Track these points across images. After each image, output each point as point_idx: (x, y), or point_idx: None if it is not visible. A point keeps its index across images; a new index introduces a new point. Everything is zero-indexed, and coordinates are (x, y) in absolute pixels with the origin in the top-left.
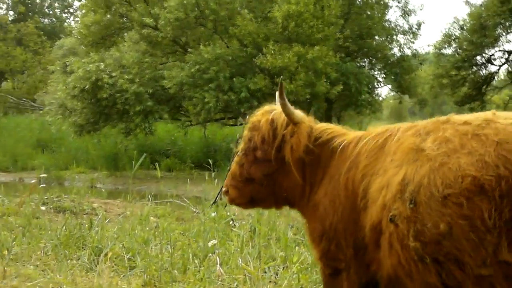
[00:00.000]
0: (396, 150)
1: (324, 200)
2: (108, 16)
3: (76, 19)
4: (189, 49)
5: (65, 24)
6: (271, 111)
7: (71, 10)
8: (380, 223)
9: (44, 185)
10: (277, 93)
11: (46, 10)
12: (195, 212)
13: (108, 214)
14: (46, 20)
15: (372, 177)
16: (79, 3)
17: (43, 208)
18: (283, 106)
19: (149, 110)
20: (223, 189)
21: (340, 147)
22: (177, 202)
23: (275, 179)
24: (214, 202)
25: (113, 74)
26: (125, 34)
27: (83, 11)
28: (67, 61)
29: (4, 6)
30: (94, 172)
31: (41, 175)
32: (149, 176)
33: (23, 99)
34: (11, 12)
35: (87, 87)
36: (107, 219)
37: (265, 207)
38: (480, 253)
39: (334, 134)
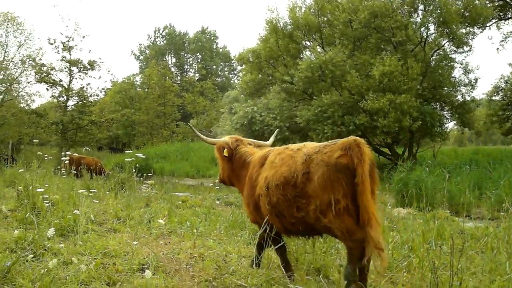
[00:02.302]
0: (267, 162)
1: (245, 185)
2: (260, 75)
3: (238, 78)
4: (314, 97)
5: (231, 81)
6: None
7: (235, 72)
8: (259, 195)
9: (218, 187)
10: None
11: (219, 72)
12: None
13: None
14: (219, 79)
15: (259, 174)
16: (241, 68)
17: (217, 202)
18: (204, 140)
19: (286, 138)
20: (219, 177)
21: (251, 160)
22: None
23: (230, 173)
24: None
25: (262, 114)
26: (271, 87)
27: (243, 72)
28: (232, 106)
29: (192, 71)
30: None
31: (215, 181)
32: None
33: (204, 130)
34: (197, 74)
35: (245, 122)
36: None
37: (229, 185)
38: (289, 211)
39: (247, 154)
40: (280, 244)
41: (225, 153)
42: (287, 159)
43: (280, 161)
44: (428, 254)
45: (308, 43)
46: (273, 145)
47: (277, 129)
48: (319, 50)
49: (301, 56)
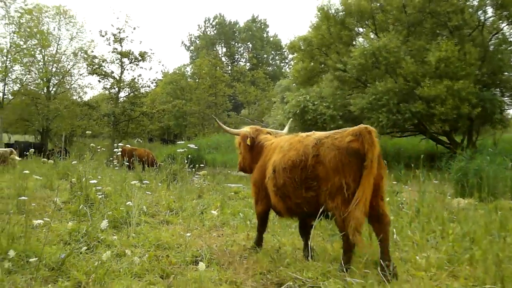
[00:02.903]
0: (277, 148)
1: (256, 169)
2: (312, 63)
3: (290, 66)
4: (368, 85)
5: (283, 70)
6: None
7: (287, 61)
8: (267, 178)
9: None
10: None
11: (270, 61)
12: None
13: None
14: (270, 68)
15: (270, 158)
16: (292, 56)
17: None
18: (227, 131)
19: (339, 127)
20: (239, 166)
21: (266, 146)
22: None
23: (250, 161)
24: None
25: (315, 103)
26: (323, 75)
27: (295, 61)
28: (284, 95)
29: (243, 60)
30: None
31: (237, 171)
32: None
33: (255, 120)
34: (248, 64)
35: (297, 112)
36: None
37: (250, 173)
38: (296, 192)
39: (265, 141)
40: (265, 226)
41: (248, 141)
42: (295, 144)
43: (288, 146)
44: (492, 247)
45: (360, 29)
46: None
47: (290, 119)
48: (372, 36)
49: (354, 43)
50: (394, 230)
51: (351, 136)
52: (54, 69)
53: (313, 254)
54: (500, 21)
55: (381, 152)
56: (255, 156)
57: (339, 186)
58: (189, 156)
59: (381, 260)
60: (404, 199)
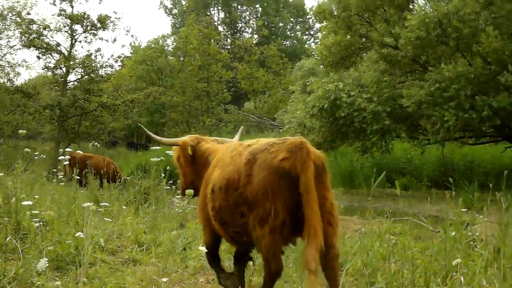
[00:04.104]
0: (220, 160)
1: (202, 186)
2: (348, 36)
3: (317, 40)
4: (429, 68)
5: (306, 45)
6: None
7: (312, 32)
8: (208, 194)
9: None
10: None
11: (288, 33)
12: (434, 231)
13: (346, 230)
14: (287, 42)
15: (212, 174)
16: (320, 25)
17: None
18: (159, 141)
19: (386, 129)
20: (180, 188)
21: (212, 158)
22: (414, 221)
23: (193, 177)
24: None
25: (352, 93)
26: (364, 54)
27: (324, 32)
28: (307, 81)
29: (250, 30)
30: None
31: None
32: (384, 194)
33: (264, 118)
34: (255, 36)
35: (325, 106)
36: (346, 235)
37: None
38: (233, 218)
39: (209, 151)
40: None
41: (189, 151)
42: (236, 158)
43: (229, 160)
44: None
45: None
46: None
47: (241, 127)
48: None
49: (411, 6)
50: (463, 278)
51: (285, 153)
52: None
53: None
54: None
55: (324, 164)
56: (199, 170)
57: (268, 213)
58: (168, 168)
59: None
60: (477, 234)
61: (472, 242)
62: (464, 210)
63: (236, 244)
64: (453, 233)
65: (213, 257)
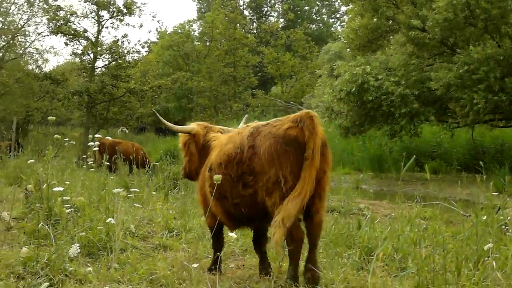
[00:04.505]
0: (218, 144)
1: (202, 173)
2: (375, 19)
3: (343, 23)
4: (457, 50)
5: (332, 29)
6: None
7: (338, 15)
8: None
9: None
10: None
11: (314, 16)
12: (464, 215)
13: (375, 215)
14: (313, 26)
15: (210, 157)
16: (346, 8)
17: None
18: (170, 128)
19: (414, 112)
20: (183, 171)
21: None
22: (445, 205)
23: (198, 165)
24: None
25: (379, 77)
26: (391, 37)
27: (350, 15)
28: (334, 65)
29: (275, 14)
30: (359, 174)
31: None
32: (414, 178)
33: (291, 102)
34: (281, 19)
35: (353, 90)
36: (376, 220)
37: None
38: (233, 191)
39: (213, 139)
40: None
41: (201, 140)
42: (234, 137)
43: (226, 140)
44: None
45: None
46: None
47: (246, 115)
48: None
49: None
50: (495, 263)
51: (290, 123)
52: None
53: (270, 272)
54: None
55: (326, 140)
56: (203, 158)
57: (276, 180)
58: None
59: (305, 263)
60: (509, 217)
61: (503, 226)
62: (495, 193)
63: (231, 221)
64: (485, 217)
65: (217, 239)
